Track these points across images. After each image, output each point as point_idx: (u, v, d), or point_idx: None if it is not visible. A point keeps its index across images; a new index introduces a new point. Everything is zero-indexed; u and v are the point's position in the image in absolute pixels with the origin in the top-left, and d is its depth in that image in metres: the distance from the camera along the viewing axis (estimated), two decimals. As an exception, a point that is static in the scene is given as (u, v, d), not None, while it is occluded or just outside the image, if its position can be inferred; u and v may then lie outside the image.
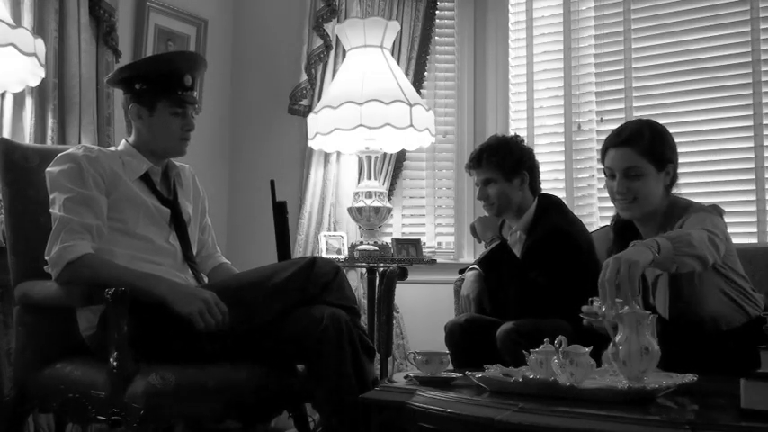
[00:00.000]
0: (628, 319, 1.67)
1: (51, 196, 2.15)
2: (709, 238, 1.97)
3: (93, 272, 2.05)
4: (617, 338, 1.68)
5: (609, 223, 2.54)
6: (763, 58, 3.13)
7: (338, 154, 3.56)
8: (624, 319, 1.68)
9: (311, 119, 3.30)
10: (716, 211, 2.19)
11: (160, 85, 2.25)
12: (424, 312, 3.42)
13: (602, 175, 2.37)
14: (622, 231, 2.37)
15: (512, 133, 3.02)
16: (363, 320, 3.40)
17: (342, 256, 3.20)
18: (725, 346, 2.06)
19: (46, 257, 2.08)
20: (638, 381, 1.63)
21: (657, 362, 1.68)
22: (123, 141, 2.35)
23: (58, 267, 2.05)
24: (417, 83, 3.54)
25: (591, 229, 2.96)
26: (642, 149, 2.20)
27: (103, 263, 2.08)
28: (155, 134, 2.27)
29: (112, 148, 2.36)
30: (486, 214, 2.78)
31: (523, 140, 2.77)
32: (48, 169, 2.19)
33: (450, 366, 2.07)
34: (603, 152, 2.29)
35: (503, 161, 2.62)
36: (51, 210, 2.14)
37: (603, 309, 1.78)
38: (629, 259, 1.76)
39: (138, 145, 2.30)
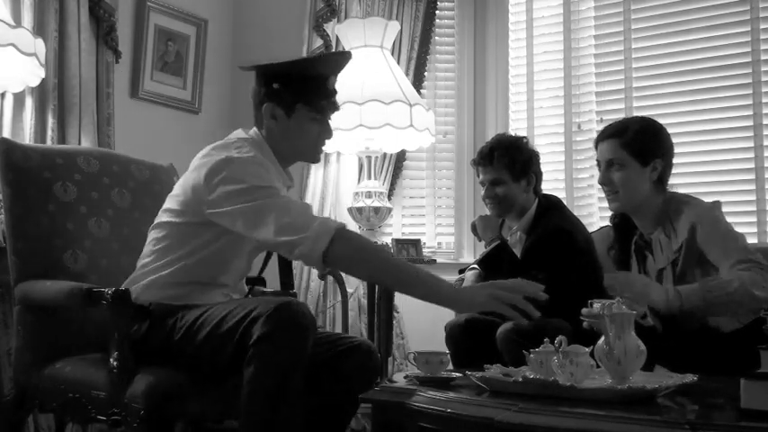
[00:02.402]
0: (618, 319, 1.68)
1: (242, 184, 1.90)
2: (760, 280, 1.97)
3: (361, 246, 1.88)
4: (606, 338, 1.69)
5: (609, 221, 2.55)
6: (763, 58, 3.14)
7: (338, 154, 3.56)
8: (615, 318, 1.68)
9: (311, 119, 3.29)
10: (719, 209, 2.20)
11: (302, 88, 2.06)
12: (424, 312, 3.40)
13: (603, 176, 2.40)
14: (621, 227, 2.39)
15: (512, 133, 3.00)
16: (364, 320, 3.42)
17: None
18: (727, 346, 2.06)
19: (289, 237, 1.81)
20: (624, 381, 1.64)
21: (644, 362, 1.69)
22: (257, 136, 2.12)
23: (326, 238, 1.79)
24: (417, 83, 3.54)
25: (591, 229, 2.95)
26: (624, 142, 2.27)
27: (364, 240, 1.97)
28: (289, 137, 2.08)
29: (245, 136, 2.12)
30: (488, 213, 2.77)
31: (528, 141, 2.75)
32: (233, 156, 1.97)
33: (451, 366, 2.06)
34: (595, 147, 2.38)
35: (513, 161, 2.60)
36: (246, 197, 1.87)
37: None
38: (645, 295, 1.72)
39: (271, 145, 2.10)
